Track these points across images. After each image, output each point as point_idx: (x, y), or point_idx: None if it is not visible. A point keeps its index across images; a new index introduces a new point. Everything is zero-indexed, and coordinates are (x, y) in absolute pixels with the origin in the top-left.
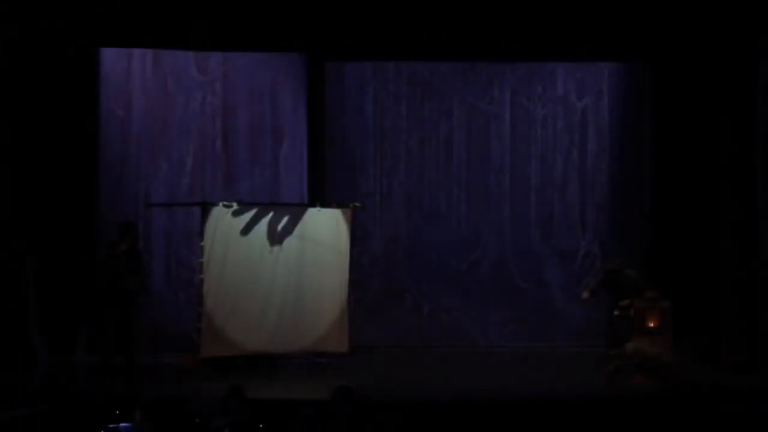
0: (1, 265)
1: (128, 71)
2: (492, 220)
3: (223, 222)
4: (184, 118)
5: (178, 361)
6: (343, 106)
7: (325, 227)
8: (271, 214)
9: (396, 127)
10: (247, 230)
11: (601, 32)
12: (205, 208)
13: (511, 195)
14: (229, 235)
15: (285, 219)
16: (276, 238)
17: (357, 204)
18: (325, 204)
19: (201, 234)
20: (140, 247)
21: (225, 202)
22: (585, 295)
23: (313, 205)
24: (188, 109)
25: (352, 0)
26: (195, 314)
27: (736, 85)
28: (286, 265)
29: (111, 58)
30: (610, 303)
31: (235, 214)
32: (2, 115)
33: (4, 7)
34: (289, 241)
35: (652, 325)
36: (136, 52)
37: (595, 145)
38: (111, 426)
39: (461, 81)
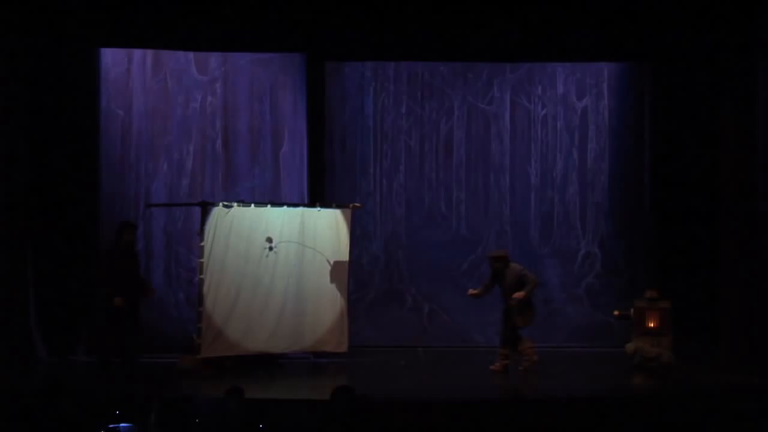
0: (1, 264)
1: (128, 71)
2: (492, 220)
3: (223, 222)
4: (184, 118)
5: (177, 361)
6: (343, 106)
7: (325, 227)
8: (271, 214)
9: (396, 127)
10: (246, 230)
11: (601, 32)
12: (205, 208)
13: (511, 195)
14: (229, 235)
15: (285, 219)
16: (276, 238)
17: (357, 204)
18: (325, 204)
19: (201, 234)
20: (139, 246)
21: (225, 202)
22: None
23: (313, 205)
24: (188, 109)
25: (352, 0)
26: (195, 314)
27: (736, 85)
28: (286, 265)
29: (111, 58)
30: (502, 295)
31: (235, 214)
32: (3, 115)
33: (4, 7)
34: (289, 242)
35: (652, 325)
36: (136, 52)
37: (595, 145)
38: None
39: (461, 81)
